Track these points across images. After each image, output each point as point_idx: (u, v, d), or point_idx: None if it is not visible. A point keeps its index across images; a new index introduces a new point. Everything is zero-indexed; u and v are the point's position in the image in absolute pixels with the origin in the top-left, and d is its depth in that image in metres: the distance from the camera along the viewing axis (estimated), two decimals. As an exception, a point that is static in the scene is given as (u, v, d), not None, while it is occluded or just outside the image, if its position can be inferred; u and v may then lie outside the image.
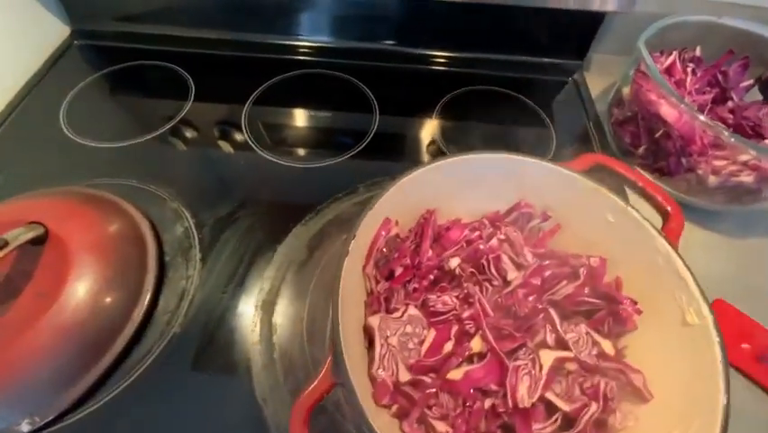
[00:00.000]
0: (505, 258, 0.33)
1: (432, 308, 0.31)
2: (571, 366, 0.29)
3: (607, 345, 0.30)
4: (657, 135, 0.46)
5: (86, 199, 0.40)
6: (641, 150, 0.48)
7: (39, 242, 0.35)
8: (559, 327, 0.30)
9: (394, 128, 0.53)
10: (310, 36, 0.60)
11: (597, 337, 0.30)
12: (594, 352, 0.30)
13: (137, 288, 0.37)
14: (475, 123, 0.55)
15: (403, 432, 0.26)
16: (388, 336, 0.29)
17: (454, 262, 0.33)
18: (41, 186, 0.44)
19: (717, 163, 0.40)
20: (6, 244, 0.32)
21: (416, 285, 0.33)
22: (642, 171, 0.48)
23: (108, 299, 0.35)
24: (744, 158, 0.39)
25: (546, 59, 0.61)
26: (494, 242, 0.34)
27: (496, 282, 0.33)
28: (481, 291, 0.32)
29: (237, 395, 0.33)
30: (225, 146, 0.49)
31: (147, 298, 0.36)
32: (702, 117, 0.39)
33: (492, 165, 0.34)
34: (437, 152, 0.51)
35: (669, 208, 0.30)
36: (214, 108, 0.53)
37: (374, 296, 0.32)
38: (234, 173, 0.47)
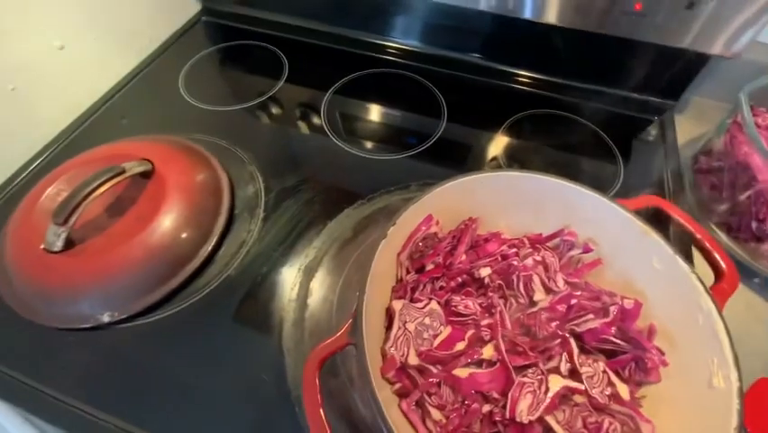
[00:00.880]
0: (536, 279, 0.34)
1: (453, 308, 0.33)
2: (579, 399, 0.29)
3: (623, 389, 0.29)
4: (743, 197, 0.42)
5: (185, 149, 0.48)
6: (722, 208, 0.45)
7: (146, 176, 0.43)
8: (576, 358, 0.30)
9: (458, 137, 0.55)
10: (400, 38, 0.64)
11: (614, 379, 0.30)
12: (607, 392, 0.29)
13: (208, 230, 0.43)
14: (540, 146, 0.55)
15: (400, 408, 0.28)
16: (406, 322, 0.32)
17: (485, 272, 0.34)
18: (153, 132, 0.53)
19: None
20: (124, 171, 0.41)
21: (444, 284, 0.34)
22: (717, 230, 0.44)
23: (185, 234, 0.41)
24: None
25: (634, 94, 0.58)
26: (529, 261, 0.34)
27: (521, 300, 0.33)
28: (505, 305, 0.33)
29: (266, 340, 0.37)
30: (303, 127, 0.55)
31: (214, 240, 0.43)
32: None
33: (544, 188, 0.35)
34: (496, 168, 0.52)
35: (724, 267, 0.28)
36: (300, 91, 0.59)
37: (402, 283, 0.34)
38: (305, 152, 0.53)
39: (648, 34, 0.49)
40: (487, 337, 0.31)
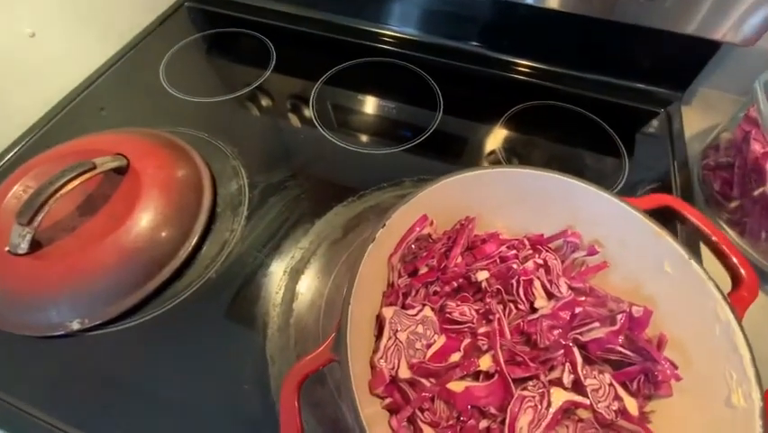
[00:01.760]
0: (537, 284, 0.31)
1: (448, 315, 0.30)
2: (584, 414, 0.27)
3: (630, 404, 0.27)
4: (756, 193, 0.40)
5: (165, 143, 0.45)
6: (732, 205, 0.42)
7: (120, 172, 0.41)
8: (580, 370, 0.28)
9: (455, 129, 0.52)
10: (394, 26, 0.60)
11: (621, 392, 0.28)
12: (614, 407, 0.27)
13: (188, 230, 0.40)
14: (541, 139, 0.52)
15: (390, 426, 0.26)
16: (397, 331, 0.29)
17: (482, 276, 0.32)
18: (132, 124, 0.50)
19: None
20: (95, 167, 0.38)
21: (438, 288, 0.32)
22: (727, 228, 0.42)
23: (163, 234, 0.39)
24: None
25: (640, 85, 0.56)
26: (530, 264, 0.32)
27: (521, 306, 0.31)
28: (504, 311, 0.31)
29: (249, 347, 0.35)
30: (291, 119, 0.52)
31: (194, 240, 0.40)
32: None
33: (545, 185, 0.32)
34: (495, 162, 0.49)
35: (743, 273, 0.26)
36: (289, 81, 0.56)
37: (393, 289, 0.32)
38: (293, 145, 0.50)
39: (656, 20, 0.46)
40: (484, 347, 0.29)
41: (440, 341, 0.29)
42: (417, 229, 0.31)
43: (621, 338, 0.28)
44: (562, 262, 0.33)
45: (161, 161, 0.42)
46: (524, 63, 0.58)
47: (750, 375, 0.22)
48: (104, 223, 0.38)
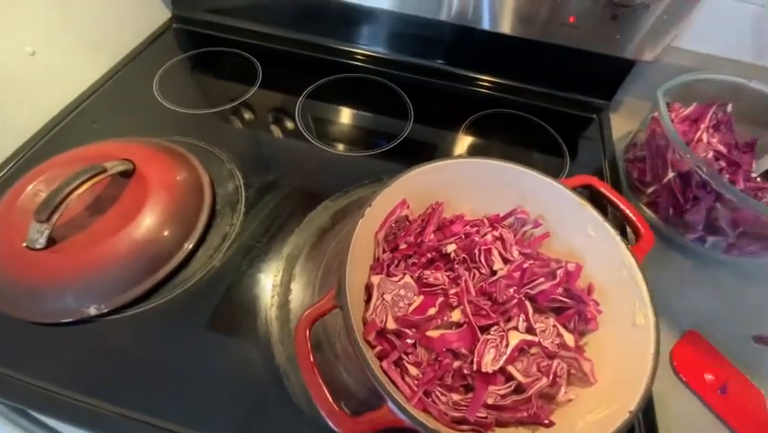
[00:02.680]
0: (495, 252, 0.39)
1: (425, 280, 0.37)
2: (534, 350, 0.34)
3: (569, 338, 0.34)
4: (664, 180, 0.49)
5: (165, 150, 0.50)
6: (648, 190, 0.52)
7: (127, 175, 0.45)
8: (531, 317, 0.35)
9: (423, 136, 0.59)
10: (367, 45, 0.68)
11: (562, 330, 0.35)
12: (557, 342, 0.34)
13: (191, 225, 0.45)
14: (498, 143, 0.61)
15: (381, 368, 0.32)
16: (384, 294, 0.35)
17: (451, 248, 0.39)
18: (128, 135, 0.54)
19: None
20: (105, 170, 0.42)
21: (416, 260, 0.39)
22: (645, 209, 0.51)
23: (169, 229, 0.43)
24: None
25: (578, 96, 0.66)
26: (488, 237, 0.39)
27: (483, 271, 0.38)
28: (469, 275, 0.38)
29: (253, 323, 0.40)
30: (279, 128, 0.58)
31: (198, 234, 0.44)
32: (704, 169, 0.42)
33: (498, 172, 0.40)
34: (459, 161, 0.57)
35: (641, 229, 0.34)
36: (275, 95, 0.62)
37: (379, 262, 0.38)
38: (282, 151, 0.56)
39: (582, 42, 0.56)
40: (454, 303, 0.36)
41: (419, 300, 0.36)
42: (398, 211, 0.37)
43: (560, 289, 0.36)
44: (514, 234, 0.40)
45: (164, 165, 0.47)
46: (482, 78, 0.67)
47: (647, 301, 0.30)
48: (114, 221, 0.42)
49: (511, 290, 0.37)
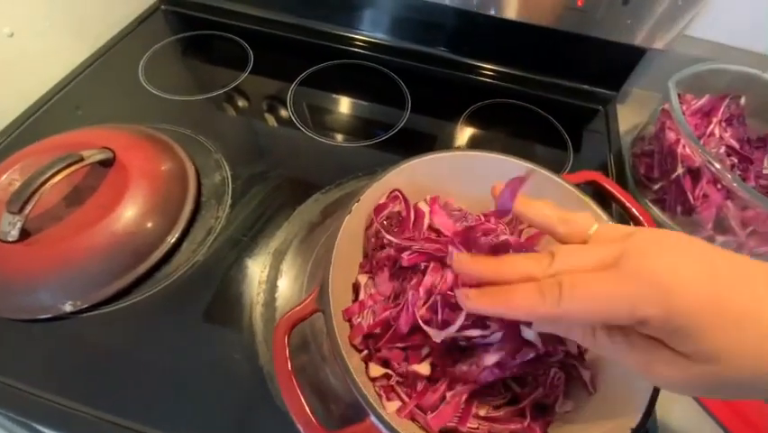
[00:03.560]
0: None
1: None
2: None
3: (571, 345, 0.32)
4: (673, 176, 0.47)
5: (149, 137, 0.48)
6: (655, 186, 0.50)
7: (107, 164, 0.43)
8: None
9: (420, 127, 0.57)
10: (365, 30, 0.65)
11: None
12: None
13: (174, 217, 0.43)
14: (498, 134, 0.58)
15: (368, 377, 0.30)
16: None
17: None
18: (111, 121, 0.52)
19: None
20: (82, 159, 0.40)
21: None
22: (652, 206, 0.49)
23: (151, 221, 0.41)
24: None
25: (583, 86, 0.63)
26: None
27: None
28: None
29: (237, 322, 0.38)
30: (270, 117, 0.56)
31: (181, 227, 0.42)
32: (716, 165, 0.39)
33: (496, 166, 0.37)
34: (457, 154, 0.54)
35: (644, 222, 0.32)
36: (266, 82, 0.59)
37: (368, 259, 0.36)
38: (273, 140, 0.53)
39: (590, 29, 0.53)
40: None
41: (409, 301, 0.34)
42: (390, 205, 0.35)
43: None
44: (512, 232, 0.38)
45: (146, 154, 0.45)
46: (483, 66, 0.64)
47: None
48: (92, 212, 0.40)
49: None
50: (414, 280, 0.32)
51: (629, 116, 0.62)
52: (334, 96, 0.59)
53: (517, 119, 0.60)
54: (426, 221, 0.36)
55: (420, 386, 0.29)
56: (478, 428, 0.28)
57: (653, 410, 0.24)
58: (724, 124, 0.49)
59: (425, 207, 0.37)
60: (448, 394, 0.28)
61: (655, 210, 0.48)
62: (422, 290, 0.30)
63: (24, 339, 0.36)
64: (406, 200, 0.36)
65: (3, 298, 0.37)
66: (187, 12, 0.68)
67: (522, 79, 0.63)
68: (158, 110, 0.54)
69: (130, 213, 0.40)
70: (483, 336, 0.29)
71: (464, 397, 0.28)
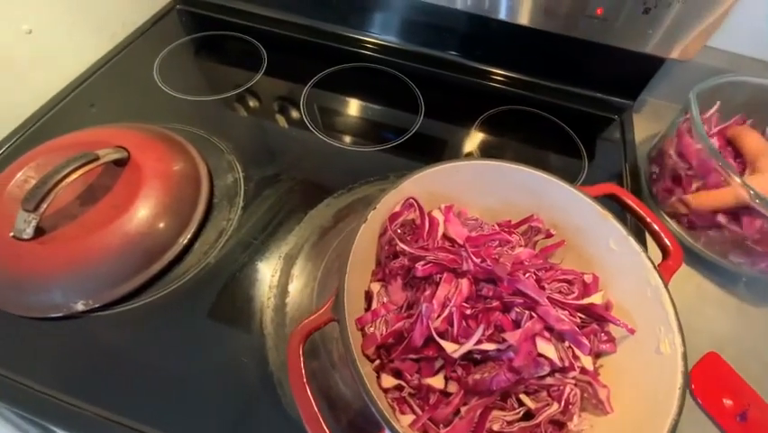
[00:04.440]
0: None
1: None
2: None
3: (586, 361, 0.32)
4: (692, 190, 0.46)
5: (162, 137, 0.48)
6: (672, 200, 0.49)
7: (121, 163, 0.43)
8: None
9: (434, 132, 0.56)
10: (379, 34, 0.65)
11: (578, 352, 0.32)
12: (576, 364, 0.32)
13: (187, 218, 0.43)
14: (512, 141, 0.57)
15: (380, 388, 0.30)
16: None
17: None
18: (126, 120, 0.52)
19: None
20: (98, 158, 0.40)
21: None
22: (669, 220, 0.48)
23: (164, 222, 0.41)
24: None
25: (598, 94, 0.62)
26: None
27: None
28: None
29: (247, 326, 0.38)
30: (282, 119, 0.55)
31: (193, 228, 0.42)
32: (737, 179, 0.39)
33: (514, 176, 0.37)
34: (470, 160, 0.54)
35: (669, 246, 0.31)
36: (279, 83, 0.59)
37: (381, 267, 0.35)
38: (285, 143, 0.53)
39: (609, 37, 0.53)
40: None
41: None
42: (405, 213, 0.35)
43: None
44: (526, 244, 0.38)
45: (160, 154, 0.45)
46: (497, 72, 0.64)
47: (674, 327, 0.28)
48: (106, 211, 0.40)
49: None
50: (427, 291, 0.32)
51: (644, 126, 0.61)
52: (348, 99, 0.59)
53: (531, 127, 0.59)
54: (441, 230, 0.36)
55: (433, 399, 0.29)
56: (491, 444, 0.27)
57: (674, 434, 0.24)
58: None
59: (439, 216, 0.37)
60: (463, 409, 0.28)
61: (672, 223, 0.47)
62: (435, 302, 0.30)
63: (35, 337, 0.36)
64: (421, 209, 0.36)
65: (16, 295, 0.37)
66: (202, 12, 0.68)
67: (536, 86, 0.63)
68: (172, 110, 0.54)
69: (143, 213, 0.40)
70: (499, 351, 0.29)
71: (479, 412, 0.28)
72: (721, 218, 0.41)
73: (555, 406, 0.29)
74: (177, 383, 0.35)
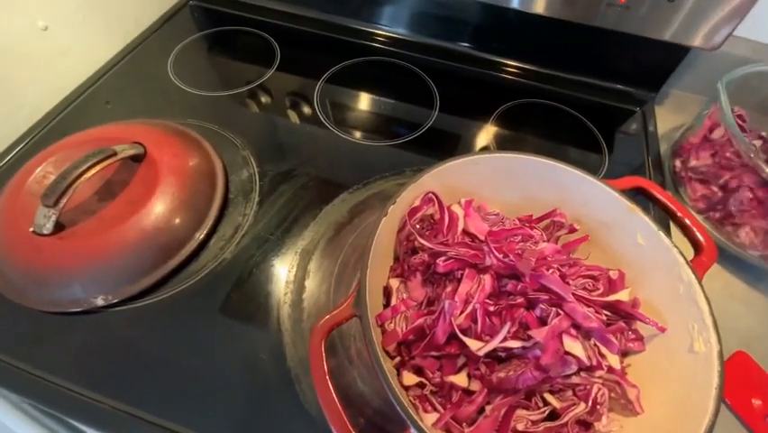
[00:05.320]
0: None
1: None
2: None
3: (614, 360, 0.30)
4: (720, 182, 0.44)
5: (178, 133, 0.48)
6: (698, 195, 0.47)
7: (138, 159, 0.43)
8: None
9: (449, 126, 0.55)
10: (392, 27, 0.64)
11: (604, 351, 0.31)
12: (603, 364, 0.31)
13: (203, 214, 0.43)
14: (529, 135, 0.56)
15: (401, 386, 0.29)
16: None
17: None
18: (142, 116, 0.52)
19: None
20: (115, 153, 0.40)
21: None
22: (695, 214, 0.47)
23: (180, 218, 0.41)
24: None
25: (618, 86, 0.61)
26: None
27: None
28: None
29: (264, 321, 0.38)
30: (298, 114, 0.55)
31: (209, 224, 0.42)
32: (767, 169, 0.38)
33: (537, 169, 0.36)
34: (487, 155, 0.53)
35: (703, 241, 0.30)
36: (293, 78, 0.59)
37: (399, 263, 0.35)
38: (299, 138, 0.53)
39: (632, 26, 0.51)
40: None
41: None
42: (424, 207, 0.34)
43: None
44: (548, 239, 0.37)
45: (176, 150, 0.45)
46: (513, 64, 0.63)
47: (709, 324, 0.26)
48: (123, 207, 0.40)
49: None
50: (449, 288, 0.31)
51: (667, 119, 0.59)
52: (361, 93, 0.58)
53: (549, 120, 0.58)
54: (461, 225, 0.35)
55: (456, 397, 0.28)
56: (516, 444, 0.27)
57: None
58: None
59: (459, 211, 0.36)
60: (487, 407, 0.27)
61: (699, 219, 0.46)
62: (458, 299, 0.29)
63: (55, 332, 0.37)
64: (440, 203, 0.35)
65: (37, 290, 0.37)
66: (214, 7, 0.68)
67: (554, 78, 0.61)
68: (186, 106, 0.54)
69: (160, 209, 0.40)
70: (524, 348, 0.28)
71: (503, 411, 0.27)
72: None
73: (582, 406, 0.28)
74: (194, 378, 0.35)
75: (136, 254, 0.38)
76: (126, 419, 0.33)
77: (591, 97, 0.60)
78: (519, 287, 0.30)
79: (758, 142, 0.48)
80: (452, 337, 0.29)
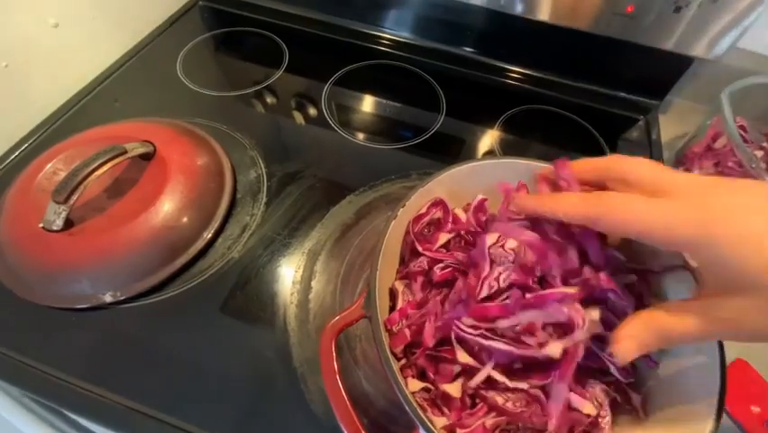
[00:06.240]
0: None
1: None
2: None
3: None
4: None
5: (186, 132, 0.48)
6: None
7: (147, 157, 0.43)
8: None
9: (455, 131, 0.56)
10: (397, 30, 0.65)
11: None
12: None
13: (211, 213, 0.43)
14: (534, 141, 0.57)
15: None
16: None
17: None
18: (150, 115, 0.52)
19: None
20: (125, 151, 0.40)
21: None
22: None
23: (188, 216, 0.41)
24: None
25: (622, 94, 0.61)
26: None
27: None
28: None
29: (270, 321, 0.38)
30: (305, 115, 0.55)
31: (217, 223, 0.43)
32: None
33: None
34: (492, 160, 0.53)
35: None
36: (301, 80, 0.59)
37: (404, 265, 0.35)
38: (307, 140, 0.53)
39: (637, 35, 0.52)
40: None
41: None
42: (433, 210, 0.34)
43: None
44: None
45: (185, 149, 0.45)
46: (519, 70, 0.63)
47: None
48: (132, 205, 0.41)
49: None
50: (440, 296, 0.31)
51: (669, 127, 0.60)
52: (368, 96, 0.59)
53: (554, 126, 0.58)
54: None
55: (454, 406, 0.28)
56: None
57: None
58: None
59: (462, 216, 0.36)
60: (488, 423, 0.27)
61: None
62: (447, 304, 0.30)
63: (63, 328, 0.37)
64: (445, 207, 0.35)
65: (45, 286, 0.37)
66: (224, 8, 0.68)
67: (560, 86, 0.62)
68: (195, 105, 0.55)
69: (168, 207, 0.41)
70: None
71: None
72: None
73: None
74: (201, 377, 0.35)
75: (144, 252, 0.39)
76: (132, 415, 0.33)
77: (596, 105, 0.61)
78: None
79: (759, 153, 0.49)
80: (445, 341, 0.29)
